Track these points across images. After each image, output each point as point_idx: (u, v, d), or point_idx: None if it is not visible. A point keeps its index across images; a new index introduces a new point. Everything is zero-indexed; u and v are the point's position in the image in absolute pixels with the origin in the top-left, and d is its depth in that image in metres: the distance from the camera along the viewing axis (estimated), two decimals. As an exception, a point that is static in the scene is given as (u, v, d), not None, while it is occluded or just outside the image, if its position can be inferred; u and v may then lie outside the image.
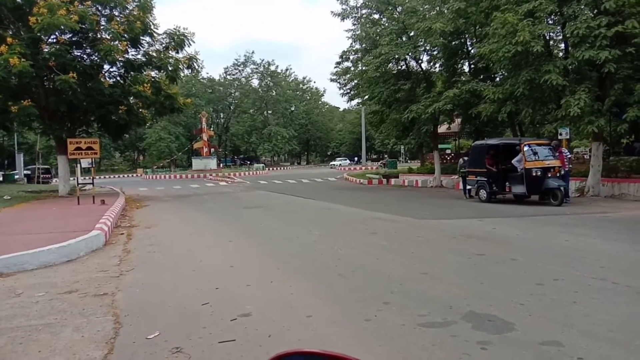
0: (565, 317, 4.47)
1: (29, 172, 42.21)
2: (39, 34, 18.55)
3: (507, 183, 15.47)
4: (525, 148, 14.51)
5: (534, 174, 14.16)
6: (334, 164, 63.49)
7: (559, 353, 3.67)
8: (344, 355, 1.06)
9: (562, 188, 14.01)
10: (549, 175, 14.14)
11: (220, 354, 3.89)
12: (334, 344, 4.04)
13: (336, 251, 8.13)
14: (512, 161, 15.00)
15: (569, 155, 15.98)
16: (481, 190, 16.14)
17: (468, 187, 17.25)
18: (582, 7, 14.62)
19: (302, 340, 4.16)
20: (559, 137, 16.27)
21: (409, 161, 61.73)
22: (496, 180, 15.78)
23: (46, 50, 19.17)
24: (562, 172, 14.56)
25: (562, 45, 17.67)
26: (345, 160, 67.66)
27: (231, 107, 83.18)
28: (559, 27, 16.45)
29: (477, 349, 3.79)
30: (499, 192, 15.82)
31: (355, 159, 77.11)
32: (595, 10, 14.64)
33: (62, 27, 18.20)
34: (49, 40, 19.66)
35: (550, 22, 16.26)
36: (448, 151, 38.47)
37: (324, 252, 8.07)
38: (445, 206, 15.93)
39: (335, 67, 28.58)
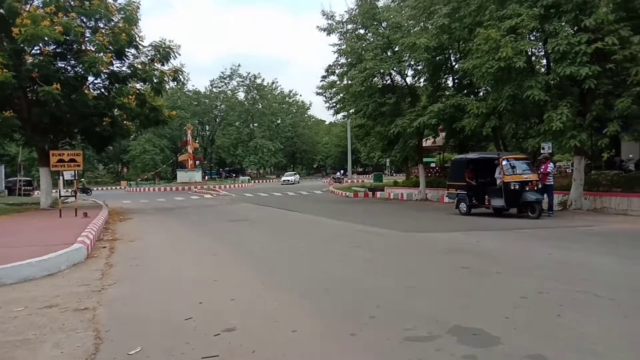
0: (550, 330, 4.49)
1: (10, 184, 41.50)
2: (22, 45, 18.38)
3: (486, 196, 15.72)
4: (504, 162, 14.82)
5: (512, 188, 14.43)
6: (286, 180, 56.51)
7: (543, 367, 3.67)
8: None
9: (539, 201, 14.30)
10: (527, 189, 14.42)
11: (203, 370, 3.82)
12: None
13: (321, 265, 8.09)
14: (495, 176, 15.23)
15: (554, 170, 16.21)
16: (461, 203, 16.38)
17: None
18: (563, 24, 14.95)
19: (287, 355, 4.10)
20: (542, 152, 16.51)
21: (394, 174, 62.03)
22: (476, 194, 16.08)
23: (29, 61, 19.01)
24: (541, 186, 14.78)
25: (544, 61, 18.01)
26: (295, 175, 61.99)
27: (217, 120, 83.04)
28: (540, 44, 16.79)
29: (462, 363, 3.77)
30: (479, 205, 16.04)
31: (341, 171, 77.15)
32: (576, 27, 14.99)
33: (46, 39, 18.10)
34: (33, 51, 19.49)
35: (532, 38, 16.58)
36: (433, 165, 38.78)
37: (309, 266, 8.02)
38: (430, 219, 16.01)
39: (321, 81, 28.80)
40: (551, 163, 15.68)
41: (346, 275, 7.22)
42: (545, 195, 14.92)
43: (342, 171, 74.82)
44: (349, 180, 54.82)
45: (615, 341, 4.25)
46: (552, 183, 15.25)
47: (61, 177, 18.76)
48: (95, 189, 53.78)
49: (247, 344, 4.34)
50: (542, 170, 15.26)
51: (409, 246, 9.99)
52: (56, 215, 16.59)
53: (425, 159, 30.25)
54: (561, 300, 5.43)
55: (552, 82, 15.35)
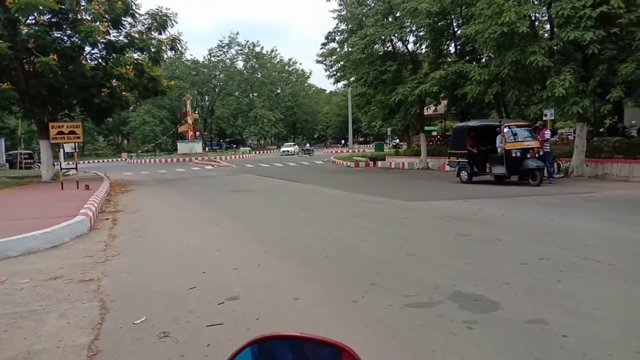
0: (549, 296, 4.53)
1: (10, 157, 41.49)
2: (16, 15, 18.02)
3: (487, 164, 15.69)
4: (505, 130, 14.72)
5: (514, 155, 14.39)
6: (285, 150, 55.27)
7: (543, 331, 3.73)
8: (321, 337, 1.03)
9: (541, 169, 14.27)
10: (528, 156, 14.37)
11: (208, 337, 3.88)
12: (320, 326, 4.05)
13: (323, 234, 8.13)
14: (497, 144, 15.16)
15: (551, 137, 16.13)
16: (462, 171, 16.37)
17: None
18: (568, -14, 14.60)
19: (289, 322, 4.16)
20: (544, 118, 16.39)
21: (399, 145, 61.78)
22: (477, 162, 16.04)
23: (25, 31, 18.65)
24: (542, 153, 14.76)
25: (548, 26, 17.70)
26: (295, 145, 60.52)
27: (216, 90, 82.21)
28: (544, 8, 16.45)
29: (463, 328, 3.83)
30: (480, 172, 16.03)
31: (342, 141, 76.91)
32: (581, -10, 14.64)
33: (41, 8, 17.75)
34: (28, 21, 19.13)
35: (536, 2, 16.25)
36: (434, 133, 38.58)
37: (311, 235, 8.07)
38: (431, 188, 16.04)
39: (321, 49, 28.38)
40: (548, 130, 15.59)
41: (347, 243, 7.27)
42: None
43: (342, 141, 74.64)
44: (350, 150, 54.70)
45: (615, 305, 4.30)
46: (548, 150, 15.19)
47: (62, 150, 18.72)
48: (95, 161, 53.78)
49: (251, 312, 4.40)
50: (539, 137, 15.18)
51: (410, 215, 10.03)
52: (58, 188, 16.63)
53: (426, 128, 30.07)
54: (561, 266, 5.47)
55: (555, 47, 15.11)
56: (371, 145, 57.06)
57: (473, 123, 17.47)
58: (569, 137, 25.87)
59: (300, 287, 5.16)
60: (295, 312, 4.43)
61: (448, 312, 4.17)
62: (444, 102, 26.84)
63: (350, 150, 54.03)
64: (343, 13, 24.89)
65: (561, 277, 5.05)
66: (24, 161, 39.07)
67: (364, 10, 23.49)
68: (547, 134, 15.33)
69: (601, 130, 22.59)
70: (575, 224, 8.26)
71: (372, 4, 23.82)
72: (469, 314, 4.12)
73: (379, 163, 28.58)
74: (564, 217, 9.00)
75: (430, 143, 29.03)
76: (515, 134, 14.78)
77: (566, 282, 4.90)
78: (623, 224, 8.20)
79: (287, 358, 1.04)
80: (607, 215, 9.26)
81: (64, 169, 19.13)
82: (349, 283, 5.20)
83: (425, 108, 25.57)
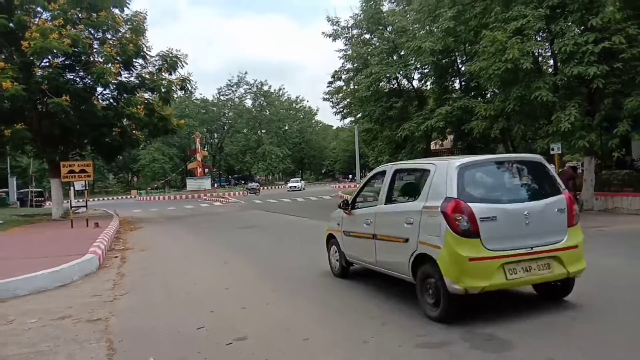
0: (563, 334, 4.44)
1: (22, 195, 41.93)
2: (31, 58, 18.62)
3: None
4: None
5: None
6: (292, 186, 55.40)
7: (558, 372, 3.64)
8: None
9: None
10: None
11: (216, 379, 3.83)
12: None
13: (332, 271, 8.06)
14: None
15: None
16: None
17: None
18: (570, 24, 14.86)
19: (299, 363, 4.10)
20: (551, 152, 16.38)
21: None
22: None
23: (39, 73, 19.23)
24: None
25: (551, 62, 17.90)
26: (301, 181, 61.57)
27: (225, 127, 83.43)
28: (547, 44, 16.69)
29: (476, 369, 3.75)
30: None
31: (350, 176, 77.13)
32: (582, 27, 14.88)
33: (55, 51, 18.30)
34: (42, 63, 19.74)
35: (538, 39, 16.49)
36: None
37: (320, 272, 8.01)
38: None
39: (327, 87, 28.90)
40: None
41: (358, 281, 7.19)
42: None
43: (350, 175, 74.80)
44: (358, 185, 54.71)
45: (633, 345, 4.19)
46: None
47: (72, 188, 18.94)
48: (105, 198, 54.18)
49: (259, 353, 4.35)
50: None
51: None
52: (68, 226, 16.72)
53: (433, 162, 30.07)
54: (575, 303, 5.37)
55: (559, 82, 15.25)
56: (379, 180, 56.96)
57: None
58: (578, 170, 25.77)
59: (309, 326, 5.10)
60: (305, 353, 4.36)
61: (460, 352, 4.10)
62: (450, 137, 26.99)
63: (359, 185, 54.01)
64: (349, 52, 25.38)
65: (576, 316, 4.96)
66: (35, 199, 39.48)
67: (369, 50, 23.94)
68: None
69: (609, 163, 22.51)
70: (588, 259, 8.12)
71: (377, 44, 24.29)
72: (481, 353, 4.04)
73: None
74: (576, 252, 8.87)
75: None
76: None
77: (581, 320, 4.80)
78: (636, 259, 8.06)
79: None
80: (619, 250, 9.11)
81: (74, 206, 19.30)
82: (359, 322, 5.13)
83: (432, 143, 25.68)
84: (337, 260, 7.43)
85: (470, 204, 4.73)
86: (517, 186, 5.42)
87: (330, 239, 7.66)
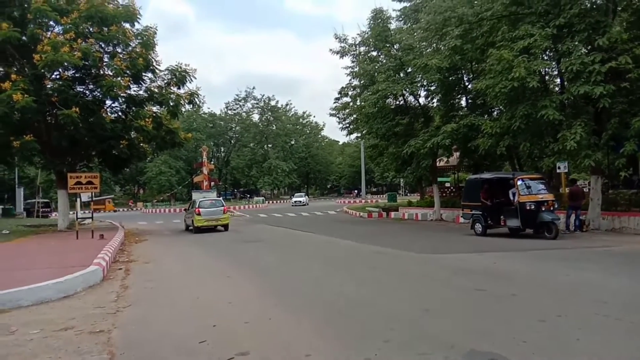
0: (569, 355, 4.40)
1: (28, 206, 42.18)
2: (42, 71, 18.87)
3: (501, 216, 15.57)
4: (519, 182, 14.69)
5: (528, 208, 14.27)
6: (297, 201, 55.32)
7: (563, 393, 3.59)
8: None
9: (555, 222, 14.10)
10: (543, 209, 14.23)
11: (216, 394, 3.80)
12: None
13: (336, 287, 8.04)
14: (510, 192, 15.15)
15: None
16: (477, 224, 16.21)
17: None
18: (576, 43, 14.91)
19: (301, 380, 4.07)
20: (558, 171, 16.33)
21: (408, 194, 61.75)
22: (491, 214, 15.93)
23: (49, 86, 19.48)
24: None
25: (558, 81, 17.95)
26: (305, 196, 61.91)
27: (232, 141, 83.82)
28: (554, 63, 16.75)
29: (479, 389, 3.70)
30: (494, 225, 15.88)
31: (355, 191, 77.25)
32: (589, 47, 14.95)
33: (66, 64, 18.54)
34: (52, 76, 19.99)
35: (545, 58, 16.55)
36: (447, 184, 38.53)
37: (324, 288, 7.98)
38: (446, 240, 15.86)
39: (334, 102, 29.01)
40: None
41: (360, 297, 7.16)
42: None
43: (355, 191, 74.83)
44: (363, 200, 54.70)
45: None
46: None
47: (78, 199, 19.03)
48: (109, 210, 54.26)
49: (261, 368, 4.32)
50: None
51: (425, 268, 9.89)
52: (73, 237, 16.78)
53: (439, 179, 30.08)
54: (580, 324, 5.32)
55: (566, 101, 15.27)
56: (384, 196, 57.05)
57: (486, 175, 17.50)
58: (584, 189, 25.63)
59: (312, 342, 5.06)
60: (306, 368, 4.33)
61: (463, 371, 4.05)
62: (457, 154, 26.97)
63: (363, 201, 54.04)
64: (355, 69, 25.55)
65: (580, 336, 4.90)
66: (41, 210, 39.68)
67: (376, 67, 24.09)
68: None
69: (616, 183, 22.38)
70: (593, 279, 8.07)
71: (384, 61, 24.46)
72: (485, 373, 3.99)
73: (392, 214, 28.47)
74: (582, 271, 8.82)
75: (444, 194, 28.96)
76: (529, 187, 14.76)
77: (586, 340, 4.75)
78: (643, 280, 7.98)
79: None
80: (626, 270, 9.04)
81: (79, 218, 19.36)
82: (361, 339, 5.09)
83: (437, 160, 25.68)
84: None
85: None
86: None
87: None
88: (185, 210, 26.10)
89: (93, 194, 18.85)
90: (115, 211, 55.51)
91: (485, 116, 20.49)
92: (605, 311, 5.80)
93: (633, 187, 19.42)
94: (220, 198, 29.09)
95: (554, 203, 14.62)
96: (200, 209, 21.53)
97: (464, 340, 4.84)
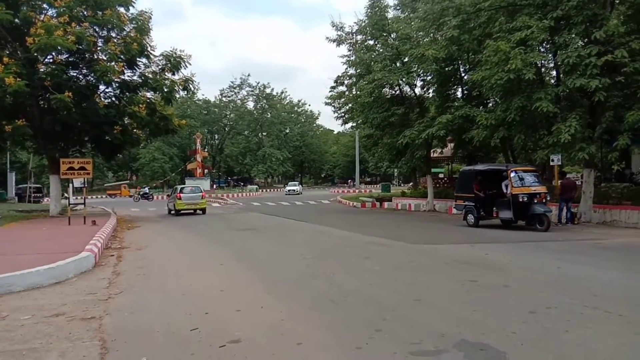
0: (557, 346, 4.43)
1: (20, 191, 41.92)
2: (35, 54, 18.65)
3: (494, 208, 15.66)
4: (512, 174, 14.75)
5: (521, 200, 14.35)
6: (290, 190, 55.44)
7: (551, 384, 3.62)
8: None
9: (547, 214, 14.21)
10: (535, 201, 14.32)
11: (208, 382, 3.81)
12: (324, 373, 3.96)
13: (328, 276, 8.06)
14: (502, 184, 15.22)
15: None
16: (469, 215, 16.31)
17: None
18: (573, 36, 14.93)
19: (292, 368, 4.08)
20: (551, 164, 16.40)
21: (402, 185, 61.92)
22: (483, 205, 16.02)
23: (42, 70, 19.26)
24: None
25: (554, 73, 17.97)
26: (299, 185, 62.33)
27: (226, 129, 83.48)
28: (550, 55, 16.75)
29: (469, 379, 3.73)
30: (487, 216, 15.98)
31: (349, 181, 77.39)
32: (586, 40, 14.95)
33: (59, 48, 18.31)
34: (46, 60, 19.76)
35: (542, 50, 16.55)
36: (441, 175, 38.66)
37: (316, 277, 8.00)
38: (438, 230, 15.94)
39: (330, 91, 28.88)
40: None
41: (353, 286, 7.18)
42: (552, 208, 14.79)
43: (349, 180, 74.95)
44: (357, 190, 54.80)
45: (625, 358, 4.18)
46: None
47: (71, 185, 18.93)
48: (103, 196, 54.08)
49: (252, 356, 4.33)
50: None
51: (417, 258, 9.94)
52: (65, 223, 16.70)
53: (433, 170, 30.15)
54: (570, 316, 5.36)
55: (561, 94, 15.29)
56: (378, 186, 57.19)
57: (480, 167, 17.57)
58: (577, 182, 25.78)
59: (303, 331, 5.08)
60: (298, 357, 4.34)
61: (453, 362, 4.08)
62: (451, 145, 27.02)
63: (357, 191, 54.13)
64: (352, 58, 25.42)
65: (569, 327, 4.95)
66: (33, 195, 39.43)
67: (372, 56, 23.99)
68: None
69: (609, 176, 22.52)
70: (584, 272, 8.14)
71: (381, 50, 24.36)
72: (475, 363, 4.02)
73: (385, 204, 28.55)
74: (572, 264, 8.88)
75: (437, 185, 29.05)
76: (522, 179, 14.83)
77: (575, 333, 4.79)
78: (633, 273, 8.06)
79: None
80: (616, 263, 9.12)
81: (72, 203, 19.25)
82: (353, 328, 5.12)
83: (432, 151, 25.71)
84: None
85: None
86: None
87: None
88: (168, 196, 28.84)
89: (86, 180, 18.73)
90: (112, 197, 55.39)
91: (481, 107, 20.51)
92: (595, 304, 5.85)
93: (625, 180, 19.54)
94: (200, 186, 30.46)
95: (546, 195, 14.72)
96: (182, 194, 24.52)
97: (454, 330, 4.88)
